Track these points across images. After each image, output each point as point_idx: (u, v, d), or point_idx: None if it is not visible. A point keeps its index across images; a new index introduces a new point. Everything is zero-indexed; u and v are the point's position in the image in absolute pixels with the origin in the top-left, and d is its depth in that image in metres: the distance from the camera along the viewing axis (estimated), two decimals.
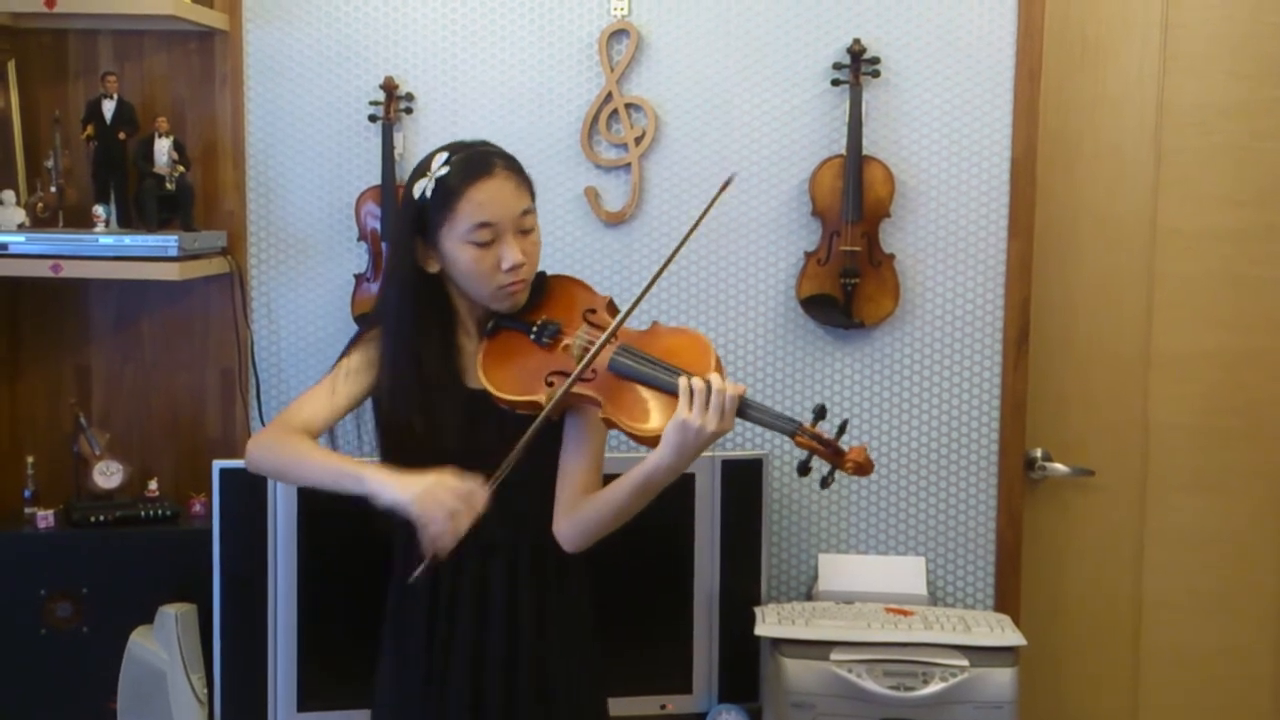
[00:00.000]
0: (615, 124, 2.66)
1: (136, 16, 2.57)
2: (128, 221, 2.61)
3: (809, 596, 2.69)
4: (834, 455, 1.79)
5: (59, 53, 2.70)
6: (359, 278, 2.68)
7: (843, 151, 2.61)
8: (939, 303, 2.68)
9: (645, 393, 1.85)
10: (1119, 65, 2.79)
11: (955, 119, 2.64)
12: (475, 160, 1.92)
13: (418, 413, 1.93)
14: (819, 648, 2.36)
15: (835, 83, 2.61)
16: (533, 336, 1.95)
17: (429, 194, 1.91)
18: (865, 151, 2.60)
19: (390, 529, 1.92)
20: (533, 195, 1.97)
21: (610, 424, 1.87)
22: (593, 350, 1.87)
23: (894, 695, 2.32)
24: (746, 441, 2.66)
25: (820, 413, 1.80)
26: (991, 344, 2.67)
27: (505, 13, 2.65)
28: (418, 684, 1.99)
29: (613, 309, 1.99)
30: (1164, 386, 2.84)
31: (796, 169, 2.65)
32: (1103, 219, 2.81)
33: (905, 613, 2.48)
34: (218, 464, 2.45)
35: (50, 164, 2.65)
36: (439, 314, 1.98)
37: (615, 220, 2.67)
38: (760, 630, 2.42)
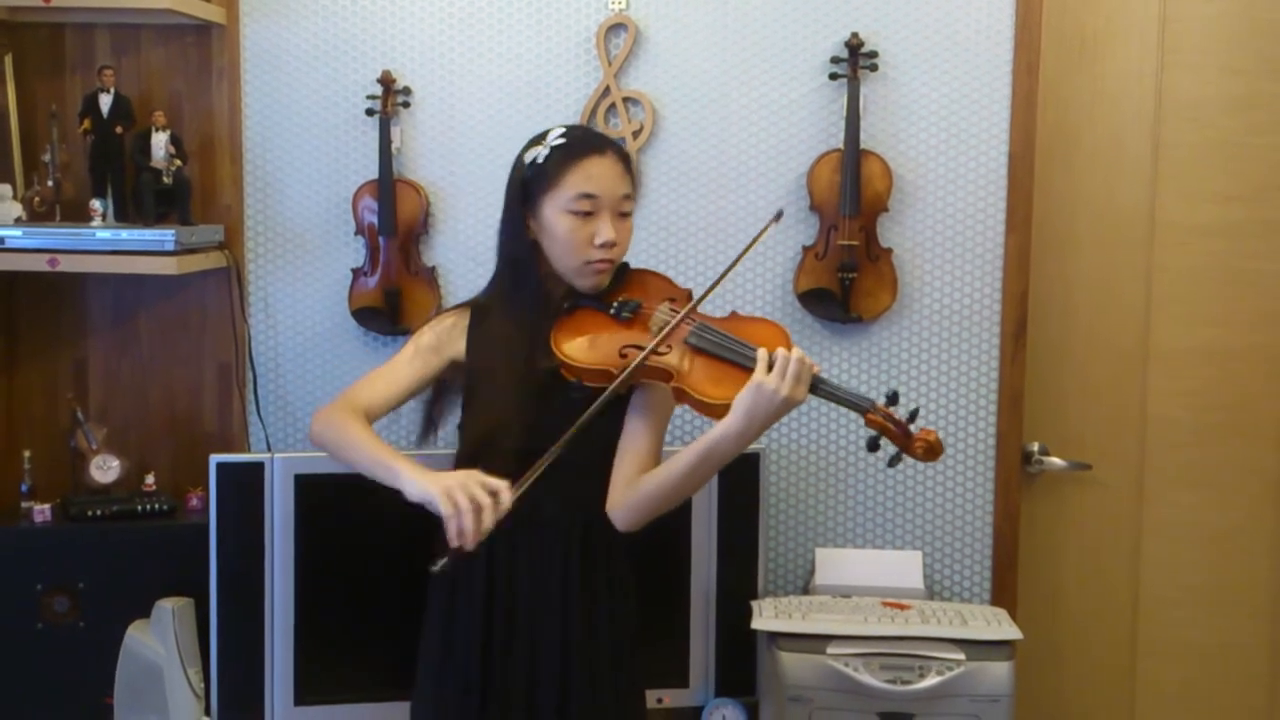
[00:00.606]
0: (613, 118, 2.66)
1: (133, 10, 2.57)
2: (125, 215, 2.61)
3: (806, 590, 2.69)
4: (904, 437, 1.84)
5: (56, 47, 2.70)
6: (356, 272, 2.68)
7: (840, 145, 2.61)
8: (937, 297, 2.68)
9: (719, 366, 1.91)
10: (1117, 60, 2.79)
11: (953, 113, 2.64)
12: (591, 136, 2.04)
13: (501, 387, 1.98)
14: (816, 641, 2.36)
15: (833, 76, 2.61)
16: (612, 312, 2.00)
17: (540, 160, 1.99)
18: (863, 146, 2.60)
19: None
20: (635, 186, 2.04)
21: (680, 394, 1.91)
22: (675, 320, 1.92)
23: (891, 689, 2.32)
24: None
25: (893, 398, 1.86)
26: (989, 338, 2.68)
27: (503, 6, 2.65)
28: (474, 665, 2.02)
29: (691, 299, 2.04)
30: (1161, 380, 2.84)
31: (794, 163, 2.65)
32: (1100, 213, 2.81)
33: (902, 606, 2.48)
34: (215, 458, 2.44)
35: (47, 158, 2.64)
36: (536, 285, 2.03)
37: None
38: (757, 624, 2.42)
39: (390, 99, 2.63)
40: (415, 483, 1.83)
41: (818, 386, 1.86)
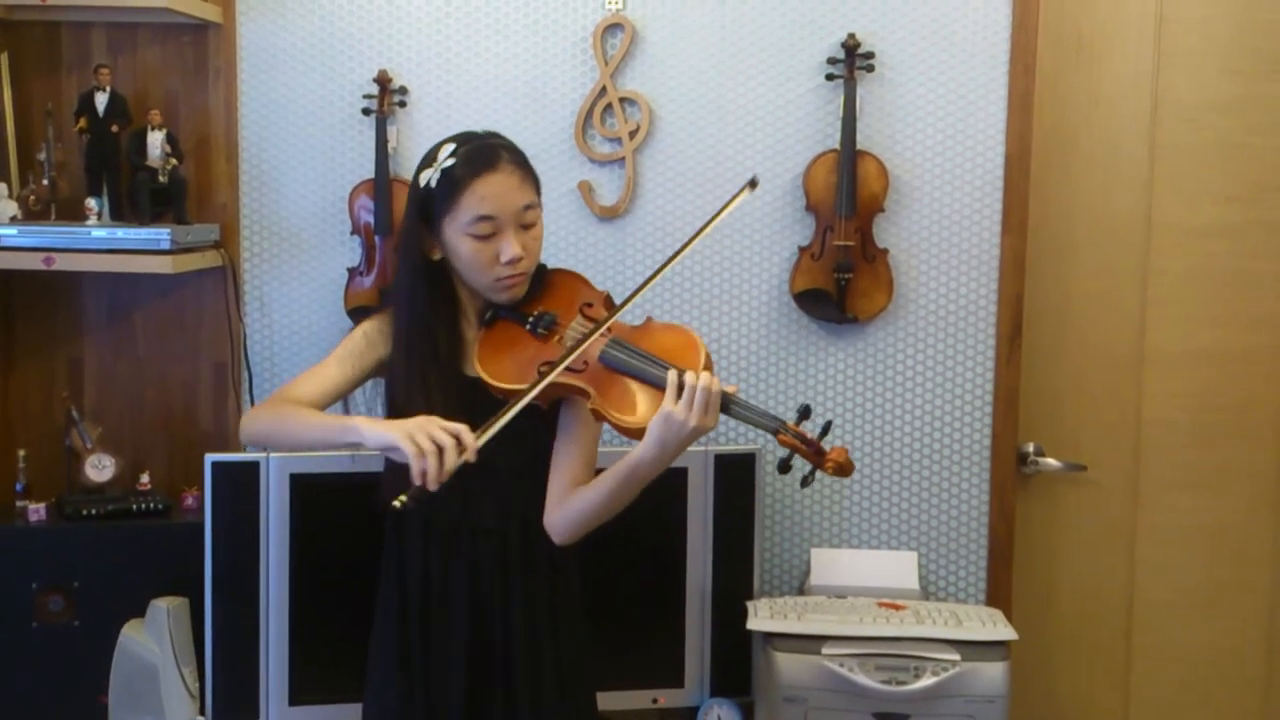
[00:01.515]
0: (609, 118, 2.65)
1: (129, 9, 2.56)
2: (120, 214, 2.60)
3: (801, 591, 2.69)
4: (815, 455, 1.78)
5: (52, 45, 2.69)
6: (352, 271, 2.68)
7: (837, 146, 2.61)
8: (932, 298, 2.68)
9: (634, 386, 1.86)
10: (1113, 61, 2.79)
11: (949, 114, 2.64)
12: (481, 153, 1.93)
13: (419, 396, 1.95)
14: (811, 642, 2.36)
15: (829, 77, 2.61)
16: (528, 327, 1.97)
17: (434, 184, 1.93)
18: (859, 146, 2.60)
19: (384, 501, 1.92)
20: (538, 190, 1.98)
21: (598, 415, 1.88)
22: (584, 341, 1.88)
23: (886, 689, 2.32)
24: (739, 436, 2.66)
25: (805, 412, 1.80)
26: (985, 339, 2.68)
27: (499, 6, 2.65)
28: (415, 670, 2.01)
29: (610, 304, 2.00)
30: (1157, 382, 2.84)
31: (790, 163, 2.65)
32: (1096, 214, 2.81)
33: (897, 607, 2.48)
34: (210, 457, 2.44)
35: (43, 157, 2.64)
36: (444, 301, 2.00)
37: (609, 215, 2.67)
38: (752, 624, 2.42)
39: (386, 98, 2.63)
40: (374, 431, 1.80)
41: (729, 408, 1.80)
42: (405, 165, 2.67)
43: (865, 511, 2.72)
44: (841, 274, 2.61)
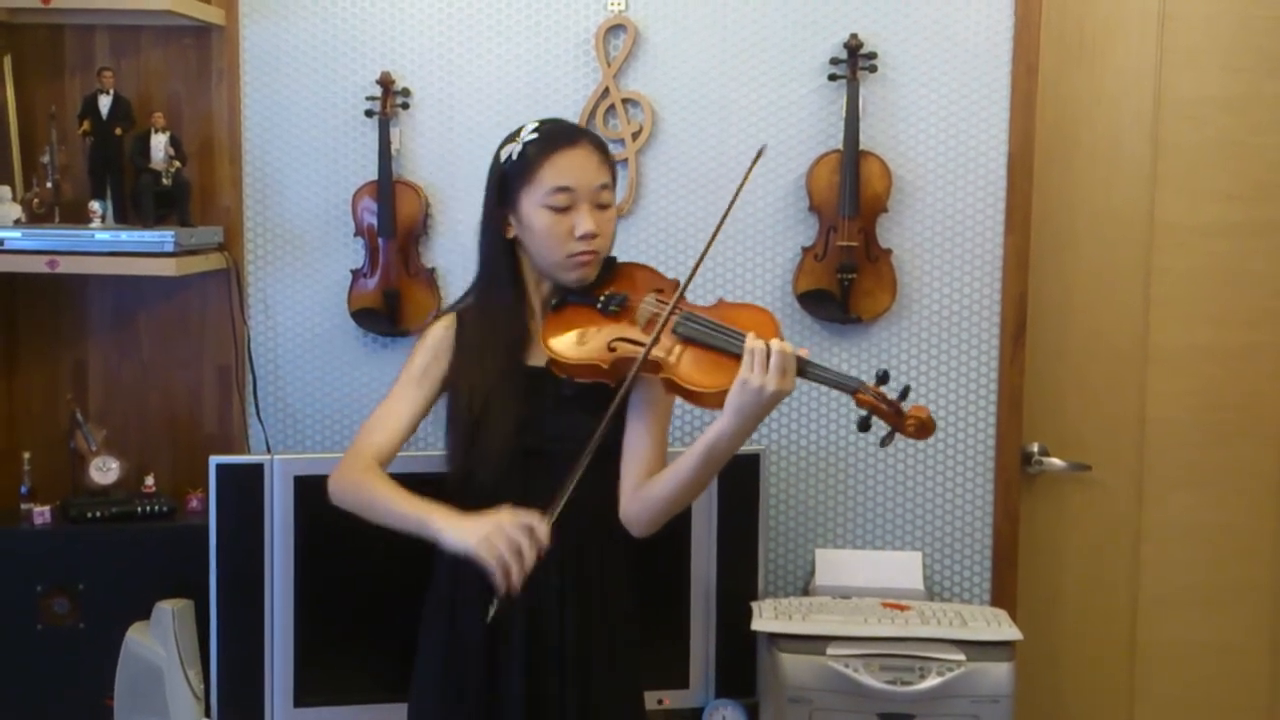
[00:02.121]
0: (612, 119, 2.66)
1: (133, 12, 2.56)
2: (124, 217, 2.61)
3: (806, 591, 2.69)
4: (895, 415, 1.80)
5: (55, 48, 2.70)
6: (355, 273, 2.68)
7: (840, 147, 2.61)
8: (936, 298, 2.68)
9: (707, 355, 1.89)
10: (1115, 60, 2.79)
11: (952, 114, 2.64)
12: (562, 129, 2.01)
13: (490, 384, 1.97)
14: (816, 642, 2.36)
15: (832, 78, 2.61)
16: (599, 306, 1.99)
17: (515, 156, 1.98)
18: (862, 146, 2.60)
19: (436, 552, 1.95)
20: (614, 177, 2.02)
21: (670, 385, 1.89)
22: (665, 310, 1.91)
23: (891, 690, 2.32)
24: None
25: (884, 377, 1.82)
26: (988, 339, 2.68)
27: (502, 7, 2.65)
28: (472, 673, 2.01)
29: (680, 289, 2.01)
30: (1161, 381, 2.84)
31: (793, 164, 2.65)
32: (1099, 213, 2.81)
33: (902, 607, 2.48)
34: (214, 459, 2.44)
35: (46, 159, 2.64)
36: (512, 285, 2.03)
37: None
38: (757, 625, 2.42)
39: (389, 100, 2.63)
40: (451, 534, 1.83)
41: (806, 370, 1.83)
42: (408, 167, 2.67)
43: (870, 512, 2.72)
44: (845, 274, 2.61)
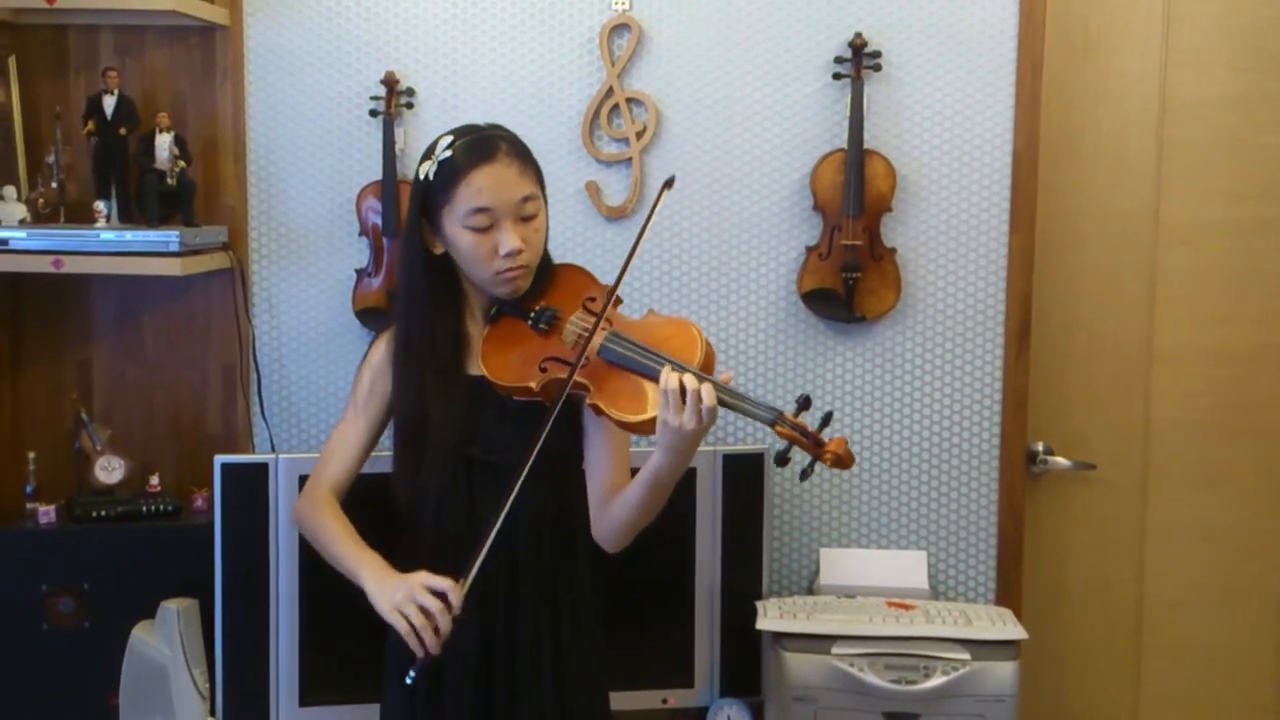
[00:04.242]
0: (616, 118, 2.66)
1: (137, 12, 2.57)
2: (129, 217, 2.61)
3: (810, 590, 2.69)
4: (814, 446, 1.75)
5: (60, 48, 2.70)
6: (360, 273, 2.68)
7: (844, 146, 2.60)
8: (940, 297, 2.67)
9: (634, 380, 1.84)
10: (1120, 59, 2.79)
11: (957, 113, 2.64)
12: (478, 144, 1.93)
13: (428, 395, 1.95)
14: (820, 642, 2.36)
15: (837, 76, 2.61)
16: (530, 322, 1.96)
17: (432, 175, 1.93)
18: (866, 146, 2.60)
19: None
20: (540, 182, 1.97)
21: (597, 410, 1.86)
22: (588, 334, 1.87)
23: (895, 689, 2.32)
24: (748, 436, 2.66)
25: (805, 403, 1.77)
26: (993, 338, 2.67)
27: (506, 7, 2.65)
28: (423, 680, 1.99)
29: (615, 297, 1.99)
30: (1166, 381, 2.84)
31: (798, 163, 2.65)
32: (1104, 213, 2.81)
33: (907, 606, 2.48)
34: (219, 459, 2.44)
35: (51, 159, 2.64)
36: (447, 298, 2.00)
37: (616, 215, 2.67)
38: (762, 624, 2.42)
39: (394, 100, 2.63)
40: (371, 594, 1.87)
41: (723, 401, 1.77)
42: (412, 167, 2.66)
43: (874, 511, 2.72)
44: (849, 273, 2.61)
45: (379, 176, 2.64)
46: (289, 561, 2.42)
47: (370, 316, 2.67)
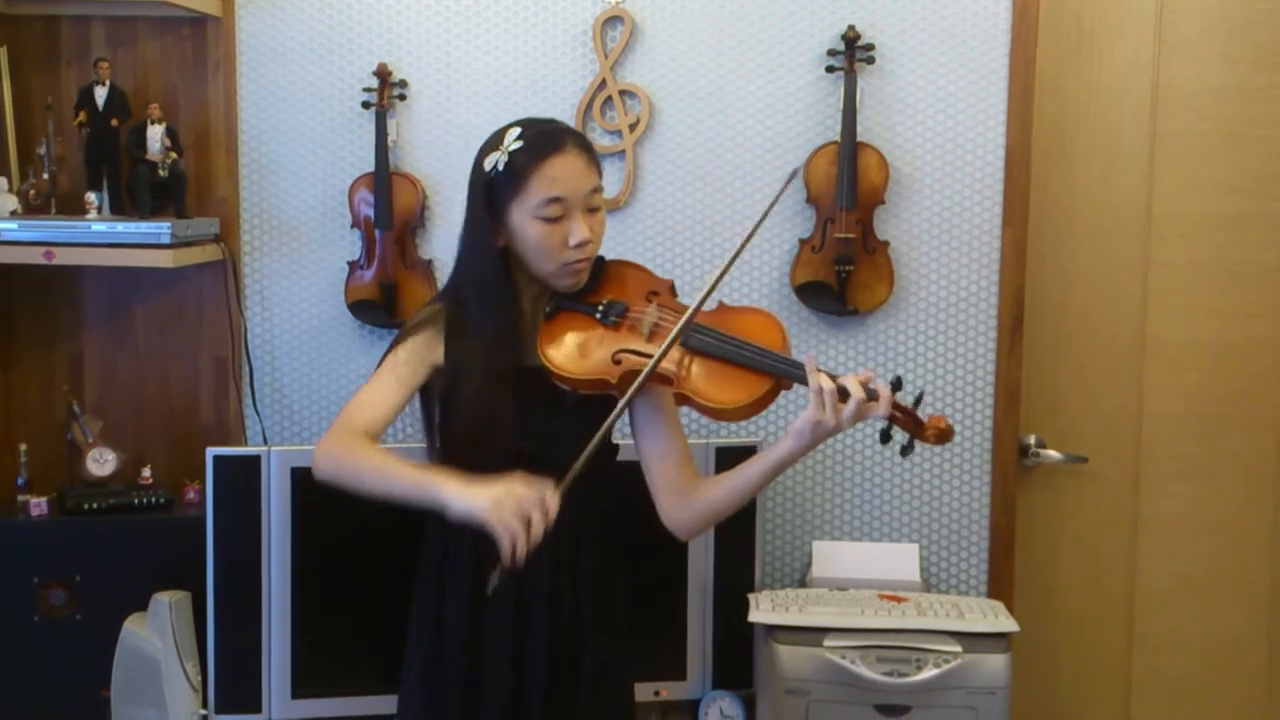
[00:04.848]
0: (609, 111, 2.65)
1: (129, 3, 2.57)
2: (120, 208, 2.60)
3: (803, 583, 2.69)
4: (915, 424, 1.81)
5: (51, 39, 2.69)
6: (352, 265, 2.68)
7: (837, 138, 2.60)
8: (933, 290, 2.68)
9: (720, 367, 1.87)
10: (1114, 52, 2.79)
11: (950, 106, 2.64)
12: (548, 135, 1.93)
13: (487, 389, 1.93)
14: (813, 634, 2.36)
15: (830, 69, 2.61)
16: (598, 316, 1.95)
17: (500, 167, 1.91)
18: (860, 138, 2.60)
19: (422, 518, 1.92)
20: (601, 174, 1.98)
21: (683, 399, 1.88)
22: (679, 326, 1.88)
23: (887, 681, 2.32)
24: (741, 429, 2.66)
25: (897, 384, 1.82)
26: (986, 331, 2.68)
27: None
28: (460, 663, 1.99)
29: (673, 291, 2.00)
30: (1158, 374, 2.84)
31: (791, 156, 2.65)
32: (1097, 205, 2.81)
33: (899, 599, 2.48)
34: (211, 451, 2.44)
35: (42, 151, 2.64)
36: (507, 290, 1.98)
37: (610, 207, 2.66)
38: (754, 617, 2.42)
39: (386, 92, 2.62)
40: (459, 500, 1.75)
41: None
42: (405, 159, 2.67)
43: (866, 504, 2.72)
44: (842, 266, 2.61)
45: (371, 169, 2.63)
46: (281, 553, 2.42)
47: (362, 309, 2.67)
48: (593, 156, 1.95)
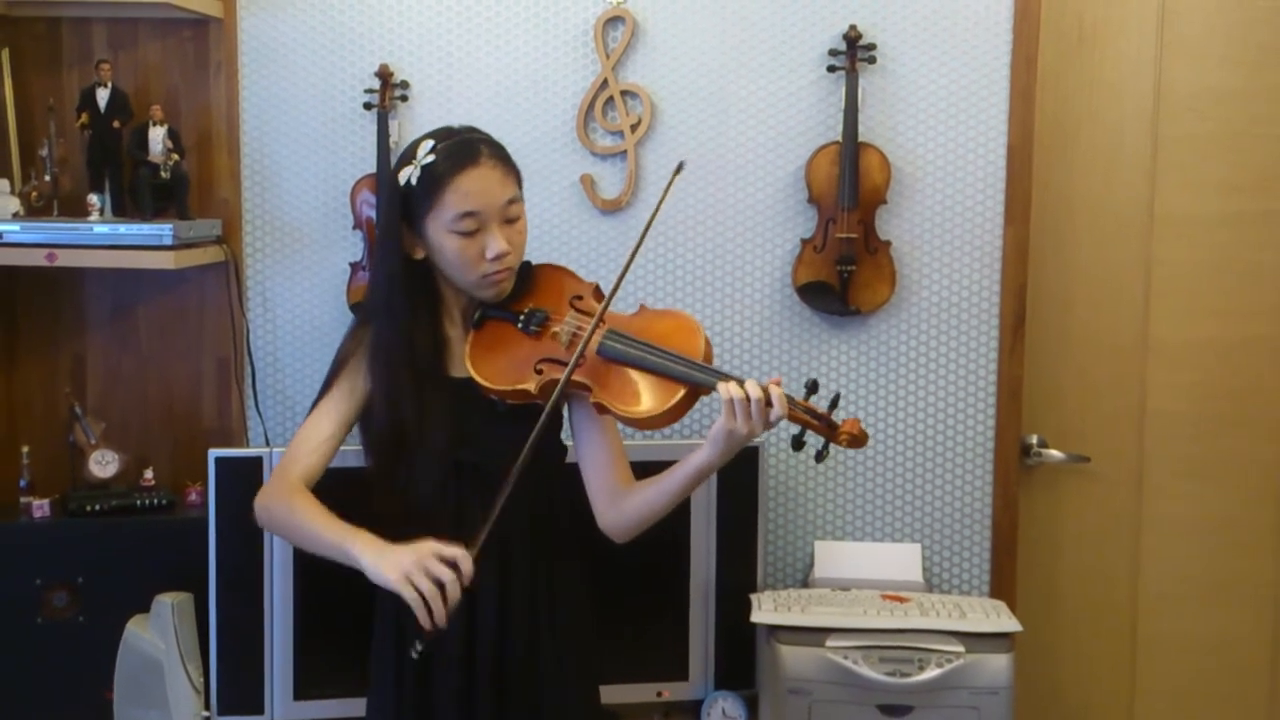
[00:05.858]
0: (611, 111, 2.65)
1: (130, 4, 2.56)
2: (122, 210, 2.60)
3: (805, 583, 2.69)
4: (827, 429, 1.78)
5: (53, 41, 2.69)
6: (354, 266, 2.67)
7: (839, 138, 2.60)
8: (935, 289, 2.67)
9: (636, 376, 1.86)
10: (1116, 51, 2.78)
11: (952, 105, 2.63)
12: (461, 148, 1.91)
13: (410, 400, 1.93)
14: (815, 634, 2.36)
15: (831, 69, 2.61)
16: (520, 325, 1.95)
17: (414, 181, 1.91)
18: (861, 138, 2.60)
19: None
20: (519, 183, 1.96)
21: (602, 409, 1.87)
22: (585, 335, 1.87)
23: (890, 681, 2.32)
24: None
25: (813, 387, 1.81)
26: (988, 330, 2.67)
27: None
28: (408, 673, 1.99)
29: (599, 294, 1.99)
30: (1160, 373, 2.84)
31: (792, 156, 2.65)
32: (1099, 205, 2.81)
33: (901, 599, 2.48)
34: (213, 453, 2.44)
35: (44, 153, 2.64)
36: (425, 302, 1.98)
37: (611, 208, 2.66)
38: (756, 617, 2.42)
39: (388, 93, 2.62)
40: (371, 565, 1.76)
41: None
42: None
43: (869, 504, 2.72)
44: (844, 266, 2.61)
45: (373, 170, 2.63)
46: (284, 555, 2.42)
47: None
48: (510, 167, 1.94)
